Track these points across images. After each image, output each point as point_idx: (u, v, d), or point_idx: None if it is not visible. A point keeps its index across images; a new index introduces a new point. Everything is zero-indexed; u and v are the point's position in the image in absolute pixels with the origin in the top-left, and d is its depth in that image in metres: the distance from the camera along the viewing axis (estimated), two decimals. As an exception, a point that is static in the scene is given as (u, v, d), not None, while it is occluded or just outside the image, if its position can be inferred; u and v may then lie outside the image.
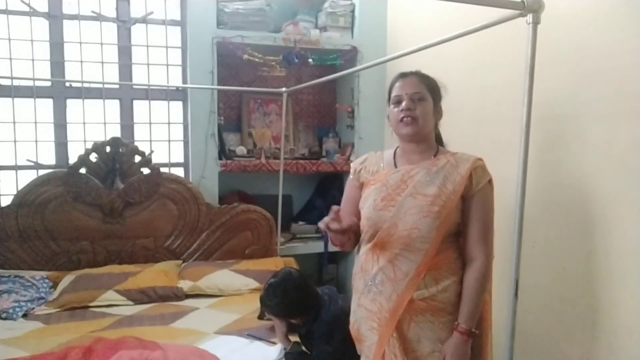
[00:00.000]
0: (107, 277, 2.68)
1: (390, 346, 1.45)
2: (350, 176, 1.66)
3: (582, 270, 1.76)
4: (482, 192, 1.45)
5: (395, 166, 1.55)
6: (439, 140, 1.62)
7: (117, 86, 3.17)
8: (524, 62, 1.17)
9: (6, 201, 2.85)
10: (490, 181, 1.47)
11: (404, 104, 1.48)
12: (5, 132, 2.97)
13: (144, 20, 3.15)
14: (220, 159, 3.13)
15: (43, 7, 2.99)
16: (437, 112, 1.54)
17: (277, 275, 2.01)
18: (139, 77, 3.21)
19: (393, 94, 1.53)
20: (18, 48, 2.97)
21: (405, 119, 1.48)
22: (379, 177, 1.54)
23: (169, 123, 3.25)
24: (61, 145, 3.08)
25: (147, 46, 3.18)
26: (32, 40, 2.97)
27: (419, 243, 1.42)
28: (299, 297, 1.92)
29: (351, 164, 1.68)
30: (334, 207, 1.44)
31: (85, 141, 3.06)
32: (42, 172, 2.91)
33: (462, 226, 1.49)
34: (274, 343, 2.07)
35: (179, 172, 3.25)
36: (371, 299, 1.49)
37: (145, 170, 2.98)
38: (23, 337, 2.14)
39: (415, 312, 1.44)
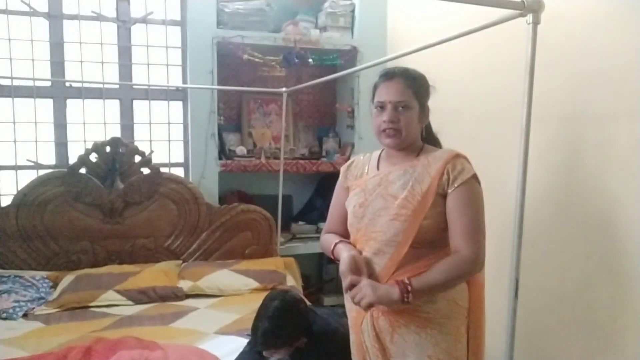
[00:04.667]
0: (107, 277, 2.68)
1: (374, 357, 1.43)
2: (339, 179, 1.62)
3: (582, 271, 1.76)
4: (464, 188, 1.32)
5: (378, 169, 1.50)
6: (429, 137, 1.52)
7: (117, 86, 3.17)
8: (523, 62, 1.17)
9: (6, 201, 2.84)
10: (474, 177, 1.35)
11: (386, 114, 1.38)
12: (5, 132, 2.97)
13: (144, 20, 3.15)
14: (220, 159, 3.13)
15: (43, 7, 2.98)
16: (424, 116, 1.44)
17: (266, 311, 1.72)
18: (139, 77, 3.21)
19: (377, 99, 1.42)
20: (18, 48, 2.97)
21: (387, 130, 1.39)
22: (360, 182, 1.51)
23: (169, 123, 3.25)
24: (61, 145, 3.08)
25: (147, 46, 3.18)
26: (32, 40, 2.97)
27: (384, 246, 1.37)
28: (296, 313, 1.74)
29: (340, 168, 1.62)
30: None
31: (85, 141, 3.06)
32: (42, 172, 2.91)
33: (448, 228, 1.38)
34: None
35: (179, 172, 3.25)
36: (346, 298, 1.49)
37: (145, 170, 2.98)
38: (23, 337, 2.14)
39: (397, 323, 1.37)
